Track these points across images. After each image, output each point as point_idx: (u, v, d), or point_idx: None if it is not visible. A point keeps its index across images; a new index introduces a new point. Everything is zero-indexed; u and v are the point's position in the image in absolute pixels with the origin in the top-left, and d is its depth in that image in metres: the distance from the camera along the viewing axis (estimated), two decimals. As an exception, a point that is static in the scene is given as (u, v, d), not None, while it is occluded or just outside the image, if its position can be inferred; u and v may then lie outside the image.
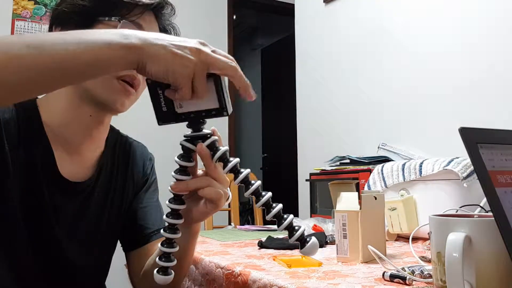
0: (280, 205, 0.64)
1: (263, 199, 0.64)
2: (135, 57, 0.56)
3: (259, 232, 1.49)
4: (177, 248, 0.68)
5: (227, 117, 3.97)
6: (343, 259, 0.89)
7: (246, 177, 0.65)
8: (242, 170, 0.65)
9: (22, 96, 0.55)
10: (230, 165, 0.65)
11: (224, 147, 0.67)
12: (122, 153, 0.93)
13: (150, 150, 1.01)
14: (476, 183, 1.07)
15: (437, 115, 1.79)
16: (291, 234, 0.64)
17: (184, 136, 0.67)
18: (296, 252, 1.04)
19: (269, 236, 1.19)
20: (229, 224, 2.31)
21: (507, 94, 1.54)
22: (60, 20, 0.79)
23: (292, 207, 2.49)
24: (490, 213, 0.50)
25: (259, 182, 0.65)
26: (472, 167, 1.08)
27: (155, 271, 0.68)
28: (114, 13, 0.77)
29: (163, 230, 0.68)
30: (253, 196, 0.65)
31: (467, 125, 0.53)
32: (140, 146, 0.99)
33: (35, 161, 0.76)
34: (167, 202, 0.69)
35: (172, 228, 0.68)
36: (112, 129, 0.91)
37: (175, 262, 0.68)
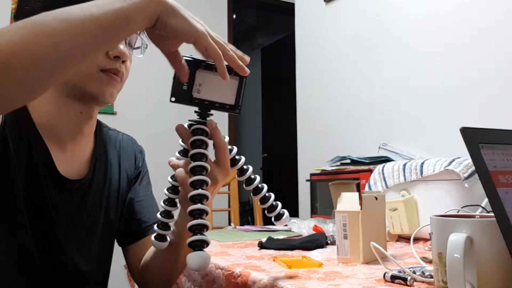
0: (205, 207, 0.66)
1: (192, 192, 0.66)
2: (157, 9, 0.58)
3: (259, 233, 1.49)
4: (173, 219, 0.75)
5: (227, 117, 3.96)
6: (344, 260, 0.89)
7: (198, 167, 0.67)
8: (202, 161, 0.68)
9: (63, 70, 0.55)
10: (191, 151, 0.68)
11: (198, 136, 0.69)
12: (113, 147, 0.93)
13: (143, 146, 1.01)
14: (477, 184, 1.06)
15: (438, 115, 1.78)
16: (193, 235, 0.64)
17: (189, 121, 0.71)
18: (296, 253, 1.04)
19: (269, 236, 1.18)
20: (229, 224, 2.31)
21: (508, 94, 1.54)
22: None
23: (292, 207, 2.49)
24: (492, 214, 0.50)
25: (205, 179, 0.67)
26: (473, 167, 1.07)
27: (152, 237, 0.75)
28: None
29: (163, 201, 0.74)
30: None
31: (469, 125, 0.53)
32: (130, 139, 0.99)
33: (35, 161, 0.76)
34: (168, 177, 0.74)
35: (170, 201, 0.74)
36: (99, 123, 0.90)
37: (170, 231, 0.75)
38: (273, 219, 0.76)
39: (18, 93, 0.52)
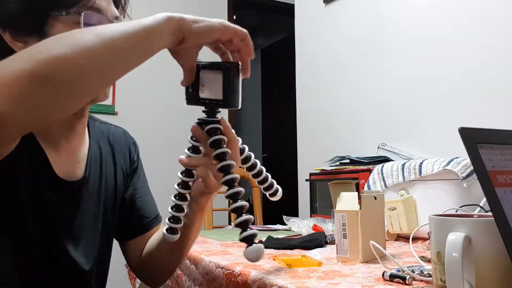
0: (245, 203, 0.71)
1: (230, 191, 0.70)
2: (177, 25, 0.62)
3: (259, 232, 1.49)
4: (184, 213, 0.77)
5: (227, 117, 3.98)
6: (343, 259, 0.89)
7: (227, 166, 0.70)
8: (227, 159, 0.70)
9: (103, 83, 0.61)
10: (216, 151, 0.71)
11: (219, 136, 0.71)
12: (106, 143, 0.91)
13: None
14: (476, 183, 1.07)
15: (437, 115, 1.79)
16: (242, 231, 0.70)
17: (197, 119, 0.74)
18: (296, 252, 1.04)
19: (269, 236, 1.19)
20: (229, 224, 2.31)
21: (507, 94, 1.54)
22: (8, 22, 0.72)
23: (292, 207, 2.50)
24: (490, 213, 0.50)
25: (237, 176, 0.71)
26: (471, 167, 1.08)
27: (164, 230, 0.77)
28: (68, 3, 0.72)
29: (173, 196, 0.76)
30: (227, 186, 0.71)
31: (467, 125, 0.53)
32: (122, 131, 0.97)
33: (34, 165, 0.75)
34: (179, 173, 0.76)
35: (180, 196, 0.76)
36: (90, 117, 0.88)
37: (181, 224, 0.77)
38: (268, 195, 0.85)
39: (61, 105, 0.55)
